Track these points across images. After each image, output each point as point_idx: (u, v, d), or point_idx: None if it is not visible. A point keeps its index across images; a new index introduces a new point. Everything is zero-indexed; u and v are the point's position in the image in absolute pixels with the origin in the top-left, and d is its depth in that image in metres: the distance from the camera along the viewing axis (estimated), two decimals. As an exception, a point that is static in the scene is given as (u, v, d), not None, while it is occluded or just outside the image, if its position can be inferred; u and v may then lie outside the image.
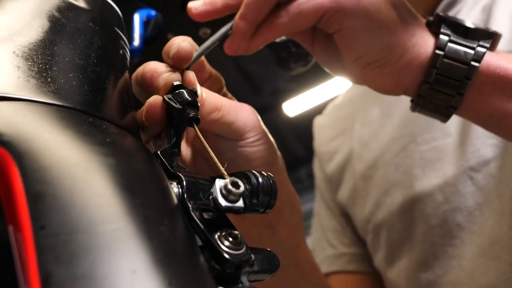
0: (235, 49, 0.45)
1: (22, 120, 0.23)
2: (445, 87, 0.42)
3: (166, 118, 0.34)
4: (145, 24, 0.56)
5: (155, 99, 0.35)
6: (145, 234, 0.20)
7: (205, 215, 0.26)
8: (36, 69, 0.26)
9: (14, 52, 0.26)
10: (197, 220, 0.25)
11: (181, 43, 0.38)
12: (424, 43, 0.43)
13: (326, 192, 0.82)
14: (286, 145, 4.33)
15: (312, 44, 0.48)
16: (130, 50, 0.46)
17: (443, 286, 0.61)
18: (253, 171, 0.28)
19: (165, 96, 0.33)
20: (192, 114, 0.32)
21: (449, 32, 0.43)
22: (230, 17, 0.45)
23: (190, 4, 0.44)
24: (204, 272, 0.21)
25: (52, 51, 0.28)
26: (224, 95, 0.47)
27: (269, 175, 0.29)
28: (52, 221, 0.18)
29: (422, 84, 0.43)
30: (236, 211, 0.27)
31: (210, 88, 0.43)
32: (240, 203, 0.27)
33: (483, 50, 0.42)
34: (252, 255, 0.26)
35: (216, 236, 0.24)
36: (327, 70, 0.51)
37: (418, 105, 0.45)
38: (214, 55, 0.57)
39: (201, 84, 0.41)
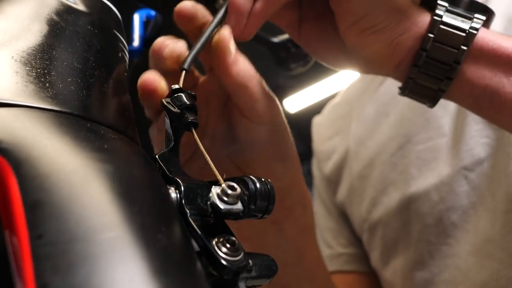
0: (234, 33, 0.42)
1: (20, 127, 0.23)
2: (442, 55, 0.42)
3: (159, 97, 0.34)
4: (145, 24, 0.56)
5: (148, 75, 0.37)
6: (142, 242, 0.20)
7: (203, 221, 0.26)
8: (35, 74, 0.26)
9: (12, 57, 0.26)
10: (195, 226, 0.25)
11: (174, 45, 0.39)
12: (422, 12, 0.43)
13: (323, 192, 0.82)
14: (287, 142, 4.32)
15: (299, 27, 0.47)
16: (129, 51, 0.46)
17: (438, 285, 0.61)
18: (251, 176, 0.28)
19: (163, 100, 0.33)
20: (190, 118, 0.32)
21: (446, 4, 0.43)
22: None
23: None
24: (201, 279, 0.21)
25: (51, 56, 0.28)
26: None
27: (267, 180, 0.29)
28: (49, 230, 0.18)
29: (418, 53, 0.43)
30: (235, 214, 0.27)
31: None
32: (239, 206, 0.27)
33: (480, 21, 0.42)
34: (250, 261, 0.26)
35: (214, 242, 0.24)
36: (313, 55, 0.50)
37: (408, 86, 0.45)
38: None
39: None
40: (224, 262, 0.24)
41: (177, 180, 0.27)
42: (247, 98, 0.42)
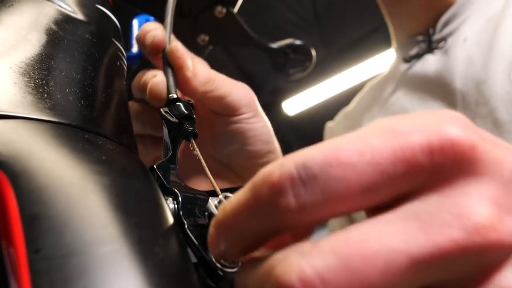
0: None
1: (18, 139, 0.23)
2: None
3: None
4: (143, 30, 0.56)
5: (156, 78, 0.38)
6: (139, 255, 0.20)
7: (201, 232, 0.26)
8: (33, 85, 0.26)
9: (11, 67, 0.26)
10: (192, 237, 0.25)
11: (155, 33, 0.40)
12: None
13: None
14: (286, 144, 4.33)
15: None
16: (128, 57, 0.46)
17: None
18: None
19: (161, 110, 0.34)
20: (190, 128, 0.32)
21: None
22: None
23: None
24: (198, 292, 0.21)
25: (49, 66, 0.28)
26: None
27: None
28: (47, 244, 0.19)
29: None
30: None
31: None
32: None
33: None
34: None
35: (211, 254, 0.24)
36: None
37: None
38: (214, 55, 0.57)
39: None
40: (221, 273, 0.24)
41: (175, 191, 0.27)
42: (215, 101, 0.43)
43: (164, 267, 0.20)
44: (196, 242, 0.25)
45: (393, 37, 0.81)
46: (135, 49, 0.54)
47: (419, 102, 0.69)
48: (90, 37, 0.33)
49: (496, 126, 0.58)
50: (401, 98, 0.73)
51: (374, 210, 0.20)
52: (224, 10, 0.52)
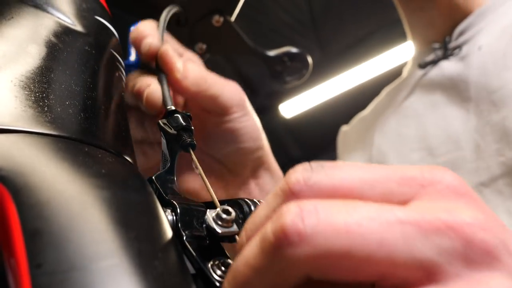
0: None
1: (19, 154, 0.23)
2: None
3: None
4: (141, 38, 0.56)
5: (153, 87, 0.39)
6: (139, 269, 0.20)
7: (199, 243, 0.26)
8: (33, 98, 0.27)
9: (11, 81, 0.27)
10: (191, 249, 0.25)
11: (151, 41, 0.41)
12: None
13: None
14: (283, 147, 4.34)
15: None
16: (126, 65, 0.47)
17: None
18: (245, 199, 0.28)
19: (160, 121, 0.34)
20: (188, 140, 0.32)
21: None
22: None
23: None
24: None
25: (49, 79, 0.28)
26: None
27: (261, 201, 0.29)
28: (48, 259, 0.19)
29: None
30: (231, 237, 0.28)
31: None
32: (234, 229, 0.27)
33: None
34: None
35: (209, 265, 0.25)
36: None
37: None
38: (211, 58, 0.57)
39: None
40: (218, 285, 0.24)
41: (173, 203, 0.27)
42: (207, 100, 0.44)
43: (163, 280, 0.21)
44: (194, 254, 0.25)
45: (412, 43, 0.84)
46: (133, 57, 0.55)
47: (432, 107, 0.72)
48: (89, 49, 0.33)
49: (506, 134, 0.59)
50: (414, 102, 0.75)
51: None
52: (222, 19, 0.53)
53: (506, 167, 0.59)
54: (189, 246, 0.25)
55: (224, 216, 0.27)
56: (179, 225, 0.26)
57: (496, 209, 0.60)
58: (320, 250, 0.20)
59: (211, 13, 0.53)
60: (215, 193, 0.29)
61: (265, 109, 3.87)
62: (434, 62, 0.73)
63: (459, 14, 0.72)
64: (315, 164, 0.23)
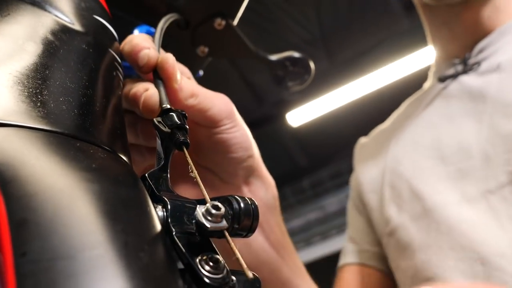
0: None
1: (10, 147, 0.23)
2: None
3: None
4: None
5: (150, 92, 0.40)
6: (124, 260, 0.20)
7: (189, 239, 0.26)
8: (27, 93, 0.27)
9: (5, 76, 0.27)
10: (180, 244, 0.25)
11: (148, 52, 0.41)
12: None
13: (357, 199, 0.89)
14: (289, 155, 4.34)
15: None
16: (126, 66, 0.47)
17: None
18: (235, 196, 0.29)
19: (154, 120, 0.34)
20: (182, 138, 0.33)
21: None
22: None
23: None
24: (181, 298, 0.22)
25: (44, 75, 0.29)
26: None
27: (251, 199, 0.29)
28: (33, 248, 0.19)
29: None
30: (220, 233, 0.28)
31: None
32: (223, 224, 0.28)
33: None
34: (233, 278, 0.26)
35: (197, 260, 0.25)
36: None
37: None
38: (218, 65, 0.58)
39: None
40: (207, 280, 0.24)
41: (165, 199, 0.28)
42: (198, 113, 0.45)
43: (148, 272, 0.21)
44: (183, 249, 0.25)
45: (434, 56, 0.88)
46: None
47: (448, 118, 0.75)
48: (86, 48, 0.33)
49: None
50: (432, 113, 0.79)
51: None
52: (224, 23, 0.53)
53: None
54: (178, 241, 0.26)
55: (213, 211, 0.27)
56: (169, 220, 0.26)
57: (501, 215, 0.62)
58: None
59: (213, 17, 0.53)
60: None
61: (272, 117, 3.88)
62: (454, 76, 0.77)
63: (482, 31, 0.76)
64: None
